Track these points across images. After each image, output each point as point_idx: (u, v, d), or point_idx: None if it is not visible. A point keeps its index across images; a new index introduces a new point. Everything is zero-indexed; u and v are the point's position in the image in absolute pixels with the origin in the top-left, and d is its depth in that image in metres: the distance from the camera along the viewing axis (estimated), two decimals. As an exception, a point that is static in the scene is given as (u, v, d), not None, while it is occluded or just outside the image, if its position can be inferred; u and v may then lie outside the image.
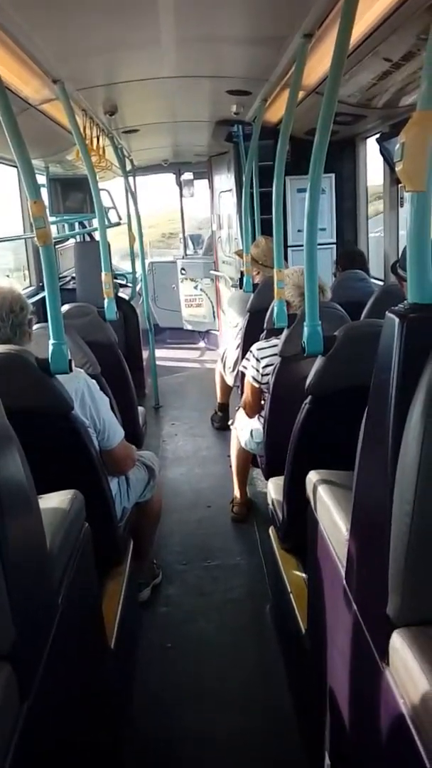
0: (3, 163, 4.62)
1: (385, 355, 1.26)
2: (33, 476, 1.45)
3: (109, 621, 2.20)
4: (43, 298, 2.21)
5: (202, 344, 8.48)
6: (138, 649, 2.64)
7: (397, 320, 1.22)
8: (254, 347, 3.20)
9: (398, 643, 1.17)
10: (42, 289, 4.95)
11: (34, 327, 2.25)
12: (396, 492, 1.20)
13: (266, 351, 3.08)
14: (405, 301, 1.28)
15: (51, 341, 2.13)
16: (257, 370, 3.09)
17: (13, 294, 2.16)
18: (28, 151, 2.11)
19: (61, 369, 2.09)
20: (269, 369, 2.95)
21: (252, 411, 3.26)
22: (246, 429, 3.43)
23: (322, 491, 1.83)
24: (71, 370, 2.15)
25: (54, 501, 1.81)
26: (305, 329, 2.22)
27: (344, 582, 1.56)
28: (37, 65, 2.60)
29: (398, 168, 1.25)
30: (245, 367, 3.22)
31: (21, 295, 2.20)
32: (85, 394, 2.32)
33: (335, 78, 1.98)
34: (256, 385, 3.12)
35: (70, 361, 2.14)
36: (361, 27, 2.21)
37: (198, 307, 8.32)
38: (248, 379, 3.18)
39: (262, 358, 3.08)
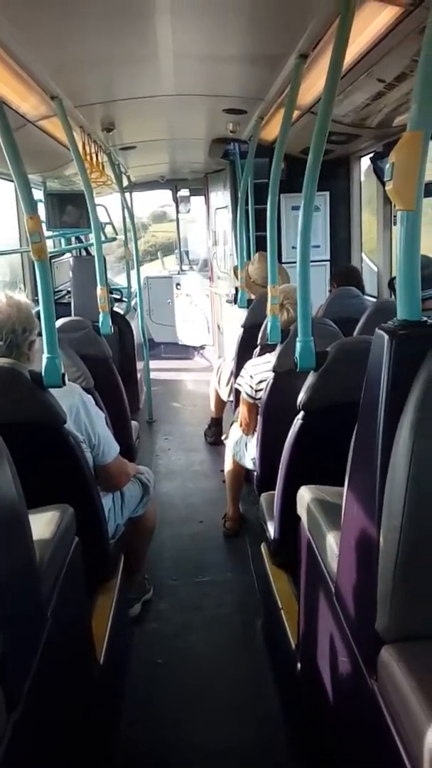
0: (1, 178, 4.64)
1: (375, 371, 1.27)
2: (23, 490, 1.45)
3: (98, 636, 2.18)
4: (38, 312, 2.22)
5: (196, 359, 8.50)
6: (128, 664, 2.62)
7: (386, 337, 1.24)
8: (248, 364, 3.22)
9: (386, 659, 1.17)
10: (37, 302, 4.96)
11: None
12: (385, 508, 1.21)
13: (259, 368, 3.10)
14: (395, 318, 1.30)
15: (45, 355, 2.14)
16: (251, 387, 3.10)
17: (20, 315, 2.13)
18: (24, 167, 2.12)
19: (54, 382, 2.10)
20: (263, 385, 2.96)
21: (249, 428, 3.26)
22: (240, 444, 3.43)
23: (313, 507, 1.84)
24: (64, 384, 2.15)
25: (44, 515, 1.81)
26: (298, 344, 2.24)
27: (334, 598, 1.56)
28: (36, 82, 2.62)
29: (388, 187, 1.27)
30: (240, 384, 3.23)
31: (30, 316, 2.17)
32: (80, 410, 2.32)
33: (329, 98, 2.01)
34: (251, 401, 3.13)
35: (63, 374, 2.14)
36: (355, 48, 2.25)
37: (193, 323, 8.34)
38: (243, 397, 3.19)
39: (255, 375, 3.09)
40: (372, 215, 5.27)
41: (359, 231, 5.34)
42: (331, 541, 1.62)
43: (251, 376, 3.11)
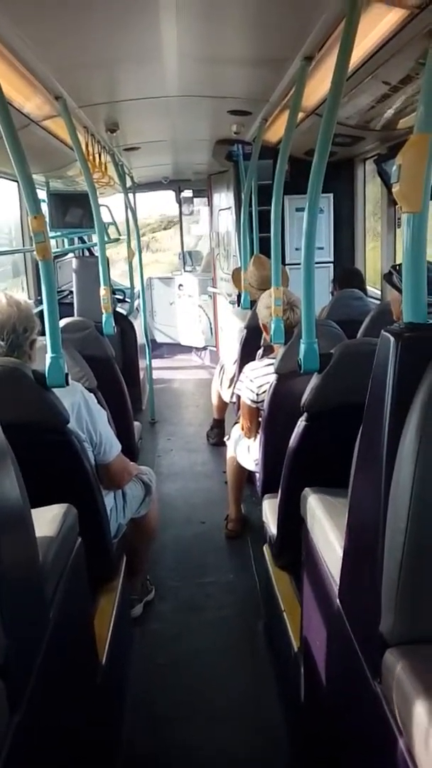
0: (4, 178, 4.64)
1: (380, 373, 1.27)
2: (27, 489, 1.45)
3: (100, 637, 2.18)
4: (41, 312, 2.22)
5: (199, 360, 8.50)
6: (130, 665, 2.62)
7: (392, 339, 1.24)
8: (247, 369, 3.22)
9: (391, 662, 1.17)
10: (40, 302, 4.96)
11: None
12: (390, 510, 1.21)
13: (259, 371, 3.10)
14: (400, 320, 1.30)
15: (48, 355, 2.14)
16: (252, 391, 3.10)
17: (20, 314, 2.13)
18: (29, 167, 2.13)
19: (57, 382, 2.10)
20: (265, 387, 2.96)
21: (251, 432, 3.26)
22: (242, 445, 3.43)
23: (317, 509, 1.83)
24: (68, 384, 2.15)
25: (47, 515, 1.81)
26: (302, 346, 2.24)
27: (338, 600, 1.56)
28: (40, 82, 2.63)
29: (395, 189, 1.27)
30: (240, 390, 3.23)
31: (30, 315, 2.17)
32: (82, 408, 2.32)
33: (334, 100, 2.01)
34: (254, 405, 3.13)
35: (66, 374, 2.14)
36: (360, 51, 2.25)
37: (195, 324, 8.34)
38: (244, 401, 3.18)
39: (255, 378, 3.09)
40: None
41: (363, 233, 5.34)
42: (335, 543, 1.62)
43: (251, 380, 3.11)
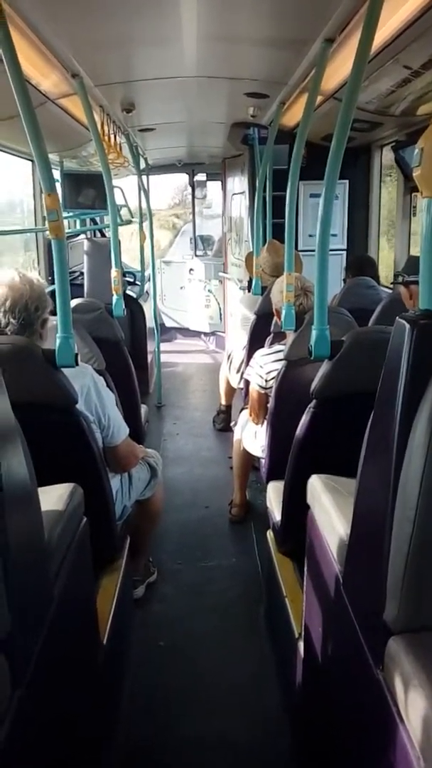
0: (19, 157, 4.62)
1: (394, 361, 1.26)
2: (34, 468, 1.45)
3: (102, 617, 2.19)
4: (52, 292, 2.21)
5: (207, 345, 8.49)
6: (131, 646, 2.64)
7: (407, 326, 1.22)
8: (257, 354, 3.21)
9: (394, 650, 1.16)
10: (51, 282, 4.95)
11: None
12: (398, 500, 1.20)
13: (269, 357, 3.09)
14: (416, 307, 1.28)
15: (58, 334, 2.13)
16: (260, 377, 3.09)
17: (32, 293, 2.12)
18: (45, 145, 2.11)
19: (66, 362, 2.09)
20: (273, 374, 2.95)
21: (259, 418, 3.26)
22: (249, 431, 3.43)
23: (323, 496, 1.83)
24: (77, 364, 2.15)
25: (54, 494, 1.81)
26: (313, 332, 2.22)
27: (342, 587, 1.55)
28: (57, 59, 2.60)
29: (416, 173, 1.25)
30: (249, 375, 3.22)
31: (42, 294, 2.16)
32: (92, 390, 2.31)
33: (355, 84, 1.98)
34: (262, 391, 3.12)
35: (75, 354, 2.14)
36: (382, 34, 2.21)
37: (205, 308, 8.32)
38: (253, 387, 3.18)
39: (265, 365, 3.08)
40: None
41: (377, 221, 5.29)
42: (341, 530, 1.61)
43: (261, 366, 3.11)
